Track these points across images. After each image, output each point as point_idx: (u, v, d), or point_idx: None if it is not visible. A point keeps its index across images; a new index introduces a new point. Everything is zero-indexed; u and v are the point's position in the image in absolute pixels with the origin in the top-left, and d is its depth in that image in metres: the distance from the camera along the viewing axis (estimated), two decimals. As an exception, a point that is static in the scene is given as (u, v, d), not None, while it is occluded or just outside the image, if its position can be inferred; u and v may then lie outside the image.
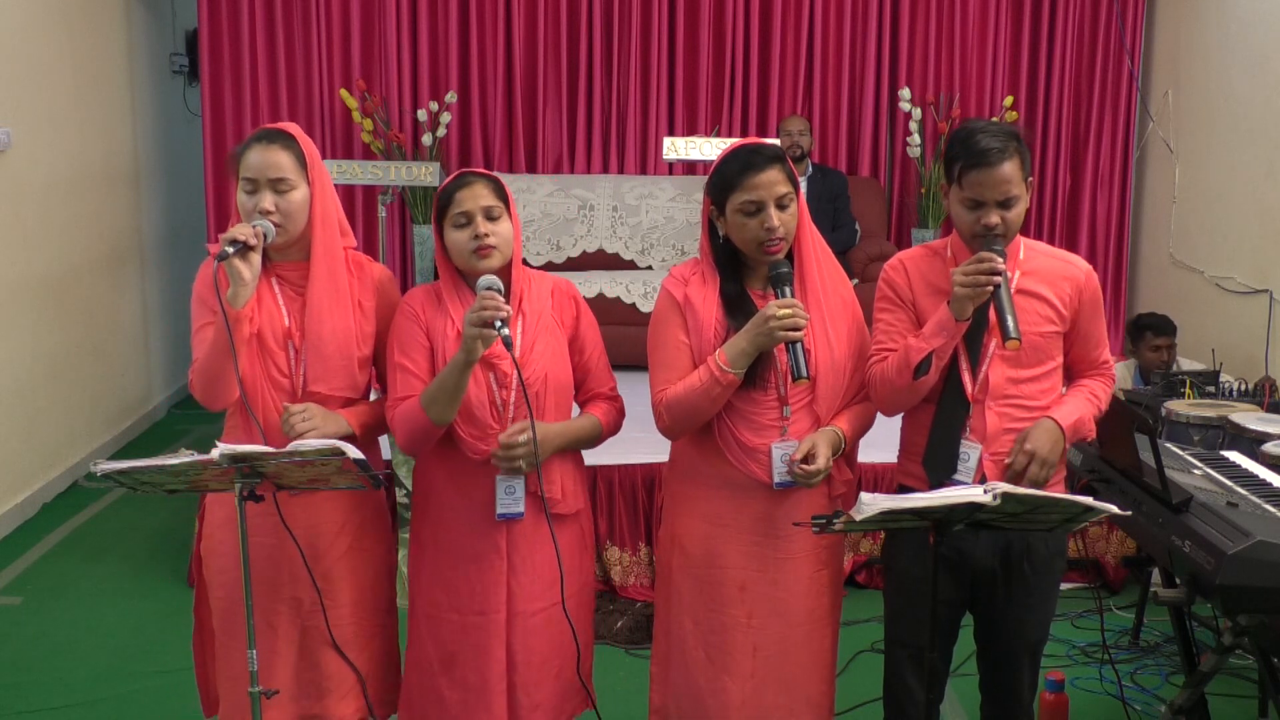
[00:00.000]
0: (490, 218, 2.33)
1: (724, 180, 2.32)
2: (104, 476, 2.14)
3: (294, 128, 2.39)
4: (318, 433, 2.27)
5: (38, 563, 4.49)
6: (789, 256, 2.37)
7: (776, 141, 5.42)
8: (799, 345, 2.24)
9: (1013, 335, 2.19)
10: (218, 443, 2.14)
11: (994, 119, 6.52)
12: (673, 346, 2.38)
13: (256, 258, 2.24)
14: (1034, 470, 2.29)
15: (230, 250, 2.19)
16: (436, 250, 2.41)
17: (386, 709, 2.53)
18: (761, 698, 2.41)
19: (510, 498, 2.37)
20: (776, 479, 2.34)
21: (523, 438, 2.30)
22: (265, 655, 2.34)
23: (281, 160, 2.31)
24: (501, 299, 2.21)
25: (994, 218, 2.27)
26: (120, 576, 4.34)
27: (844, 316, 2.39)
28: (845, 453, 2.41)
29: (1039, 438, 2.30)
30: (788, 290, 2.28)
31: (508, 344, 2.18)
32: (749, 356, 2.27)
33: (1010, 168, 2.26)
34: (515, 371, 2.32)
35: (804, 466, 2.28)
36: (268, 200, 2.29)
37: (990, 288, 2.20)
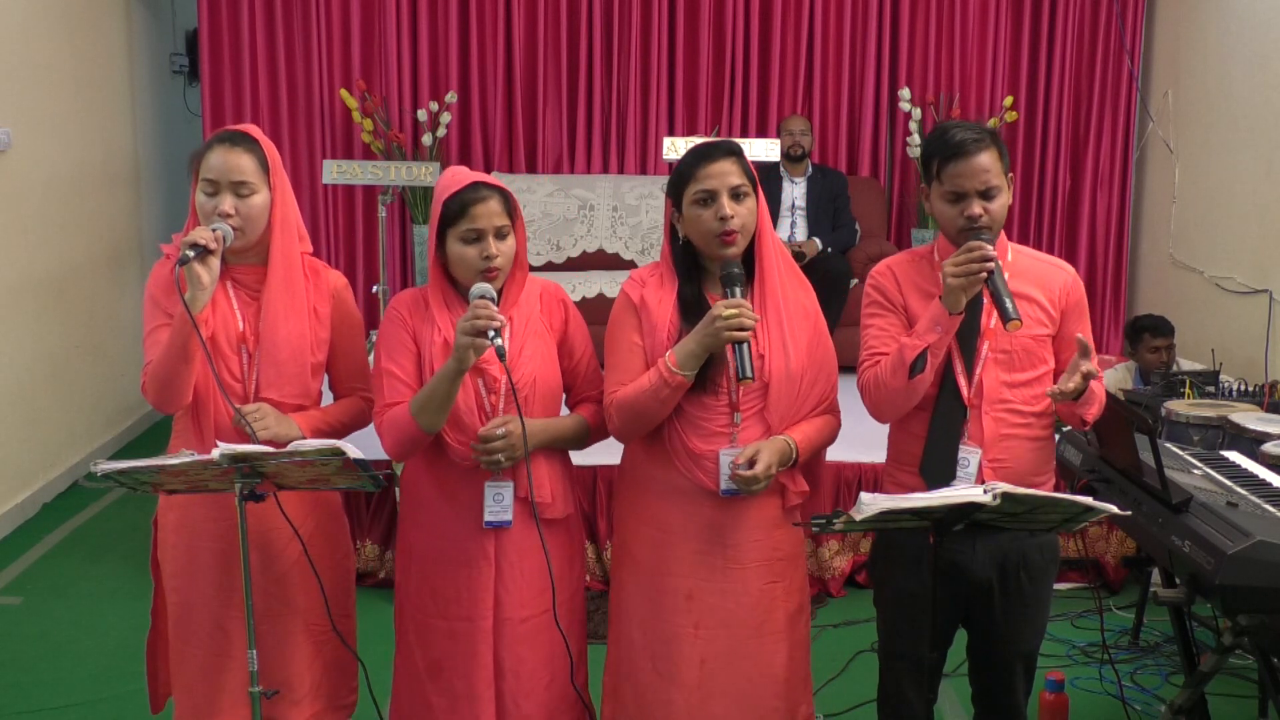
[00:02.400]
0: (500, 236, 2.30)
1: (680, 174, 2.32)
2: (104, 476, 2.14)
3: (256, 131, 2.37)
4: (269, 433, 2.26)
5: (38, 563, 4.49)
6: (749, 260, 2.35)
7: (776, 142, 5.44)
8: (745, 346, 2.21)
9: (1013, 316, 2.17)
10: (217, 442, 2.14)
11: (993, 119, 6.53)
12: (626, 348, 2.36)
13: (215, 261, 2.22)
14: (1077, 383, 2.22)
15: (191, 254, 2.18)
16: (430, 253, 2.36)
17: (345, 713, 2.51)
18: (708, 708, 2.37)
19: (499, 505, 2.34)
20: (723, 486, 2.31)
21: (500, 430, 2.28)
22: (219, 659, 2.34)
23: (244, 163, 2.29)
24: (495, 308, 2.18)
25: (976, 208, 2.26)
26: (120, 576, 4.34)
27: (804, 326, 2.35)
28: (801, 465, 2.37)
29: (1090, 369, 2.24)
30: (737, 291, 2.26)
31: (501, 354, 2.15)
32: (698, 358, 2.24)
33: (987, 158, 2.26)
34: (505, 377, 2.30)
35: (741, 472, 2.25)
36: (228, 203, 2.27)
37: (984, 275, 2.19)
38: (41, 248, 5.12)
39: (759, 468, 2.24)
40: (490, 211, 2.28)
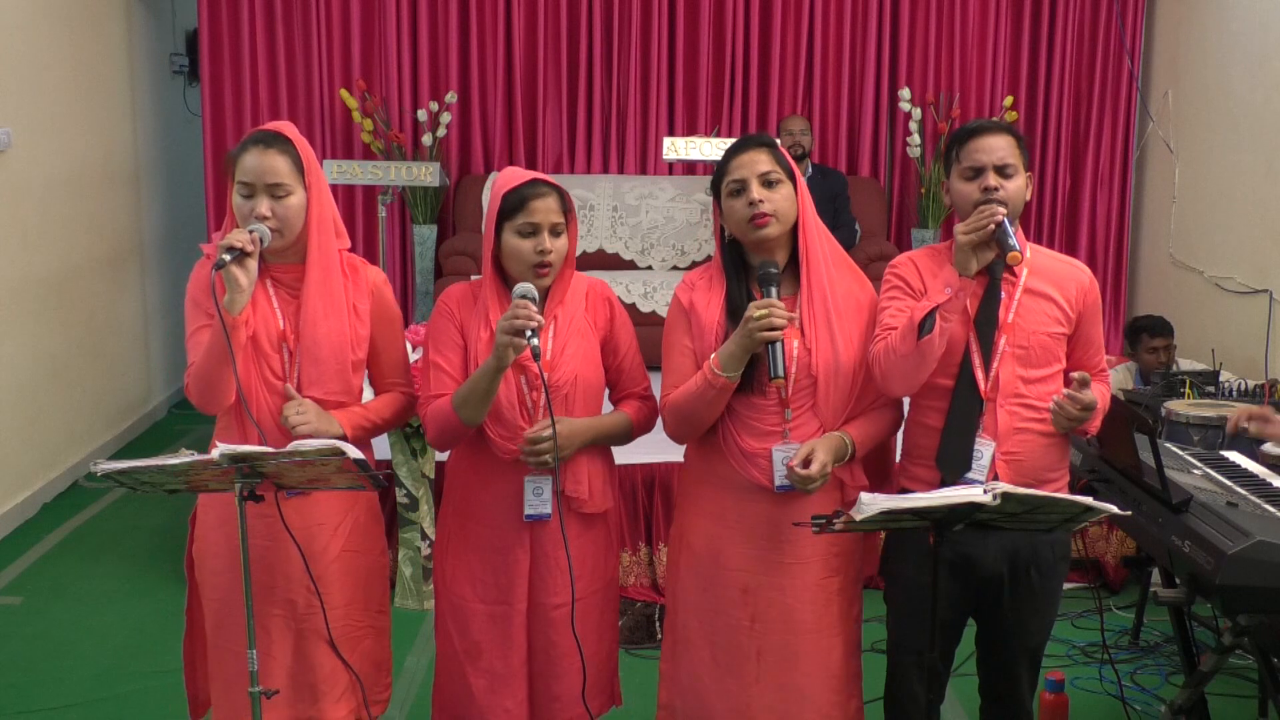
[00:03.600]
0: (554, 234, 2.34)
1: (717, 171, 2.38)
2: (104, 476, 2.13)
3: (291, 130, 2.37)
4: (309, 428, 2.28)
5: (38, 563, 4.49)
6: (794, 255, 2.37)
7: (776, 141, 5.45)
8: (778, 345, 2.23)
9: (1014, 248, 2.22)
10: (217, 443, 2.14)
11: (994, 119, 6.53)
12: (678, 351, 2.41)
13: (253, 264, 2.23)
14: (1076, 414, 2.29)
15: (228, 258, 2.18)
16: (486, 247, 2.39)
17: (378, 709, 2.53)
18: (764, 701, 2.40)
19: (538, 499, 2.39)
20: (778, 482, 2.33)
21: (547, 433, 2.32)
22: (260, 658, 2.34)
23: (279, 165, 2.29)
24: (534, 308, 2.22)
25: (992, 179, 2.31)
26: (120, 576, 4.34)
27: (856, 319, 2.37)
28: (861, 459, 2.39)
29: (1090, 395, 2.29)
30: (773, 291, 2.28)
31: (535, 354, 2.19)
32: (739, 360, 2.26)
33: (1004, 140, 2.34)
34: (544, 377, 2.33)
35: (800, 470, 2.26)
36: (264, 205, 2.28)
37: (992, 228, 2.23)
38: (41, 248, 5.12)
39: (814, 467, 2.26)
40: (548, 208, 2.33)
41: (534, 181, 2.36)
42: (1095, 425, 2.39)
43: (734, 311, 2.35)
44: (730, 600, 2.40)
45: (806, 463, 2.27)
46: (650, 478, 4.11)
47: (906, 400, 2.48)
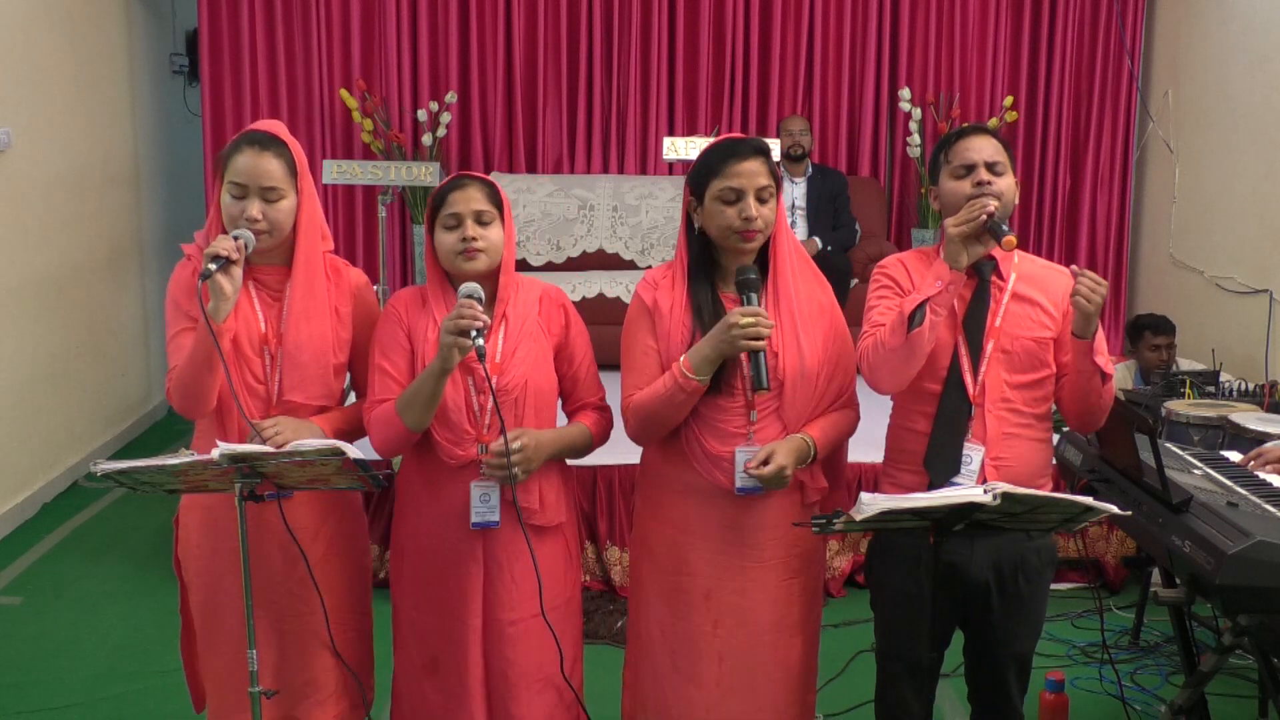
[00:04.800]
0: (480, 222, 2.31)
1: (706, 167, 2.31)
2: (104, 476, 2.13)
3: (283, 131, 2.36)
4: (283, 440, 2.25)
5: (38, 563, 4.49)
6: (763, 259, 2.36)
7: (776, 141, 5.44)
8: (762, 355, 2.21)
9: (1008, 232, 2.22)
10: (217, 442, 2.14)
11: (993, 119, 6.53)
12: (640, 351, 2.36)
13: (238, 271, 2.21)
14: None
15: (213, 268, 2.17)
16: (426, 252, 2.38)
17: (361, 711, 2.52)
18: (727, 705, 2.39)
19: (485, 505, 2.33)
20: (738, 484, 2.31)
21: (516, 445, 2.28)
22: (244, 659, 2.34)
23: (274, 169, 2.28)
24: (480, 308, 2.18)
25: (984, 174, 2.32)
26: (120, 576, 4.34)
27: (819, 323, 2.35)
28: (820, 461, 2.38)
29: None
30: (754, 298, 2.26)
31: (481, 355, 2.15)
32: (712, 363, 2.24)
33: (992, 142, 2.36)
34: (490, 379, 2.30)
35: (754, 471, 2.25)
36: (256, 208, 2.27)
37: (984, 219, 2.23)
38: (41, 248, 5.12)
39: (771, 468, 2.25)
40: (468, 197, 2.31)
41: (457, 177, 2.35)
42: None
43: (699, 311, 2.32)
44: (693, 606, 2.38)
45: (765, 464, 2.26)
46: (650, 478, 4.11)
47: (885, 406, 2.48)
